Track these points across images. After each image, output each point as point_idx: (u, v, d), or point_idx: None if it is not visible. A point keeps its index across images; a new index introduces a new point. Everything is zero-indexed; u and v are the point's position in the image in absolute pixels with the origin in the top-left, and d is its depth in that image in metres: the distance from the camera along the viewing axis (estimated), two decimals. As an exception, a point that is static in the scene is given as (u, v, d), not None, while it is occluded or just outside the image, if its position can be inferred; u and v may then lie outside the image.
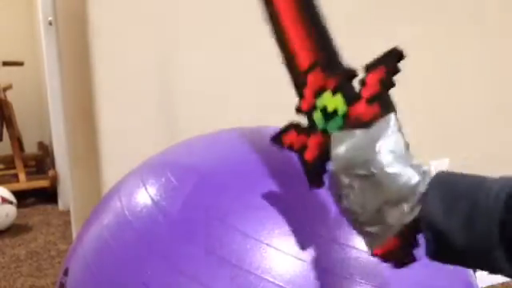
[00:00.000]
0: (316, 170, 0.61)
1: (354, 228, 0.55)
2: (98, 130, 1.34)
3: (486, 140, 1.80)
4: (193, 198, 0.68)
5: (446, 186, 0.49)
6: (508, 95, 1.83)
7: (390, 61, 0.53)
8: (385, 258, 0.55)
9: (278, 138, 0.65)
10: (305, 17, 0.62)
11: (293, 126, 0.63)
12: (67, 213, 2.45)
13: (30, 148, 3.35)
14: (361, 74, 0.56)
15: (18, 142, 3.04)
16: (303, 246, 0.63)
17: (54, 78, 2.55)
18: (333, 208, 0.67)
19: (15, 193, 2.61)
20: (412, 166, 0.51)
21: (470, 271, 0.78)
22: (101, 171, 1.35)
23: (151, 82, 1.35)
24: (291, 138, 0.63)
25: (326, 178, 0.61)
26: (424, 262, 0.68)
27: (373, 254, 0.55)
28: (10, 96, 3.07)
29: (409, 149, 0.53)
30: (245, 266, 0.60)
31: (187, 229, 0.65)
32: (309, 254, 0.62)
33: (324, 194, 0.68)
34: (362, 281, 0.62)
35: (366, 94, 0.55)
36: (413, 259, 0.54)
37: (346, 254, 0.63)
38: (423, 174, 0.51)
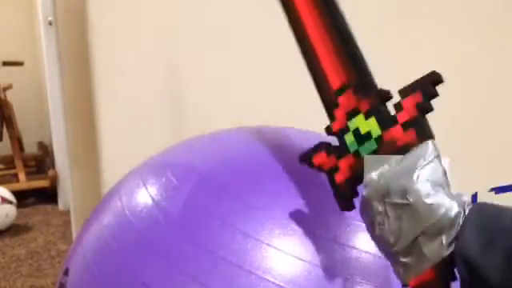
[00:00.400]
0: (347, 193, 0.59)
1: (387, 257, 0.53)
2: (97, 130, 1.34)
3: (487, 139, 1.80)
4: (193, 198, 0.68)
5: (485, 218, 0.48)
6: (509, 95, 1.83)
7: (428, 85, 0.52)
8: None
9: (307, 157, 0.63)
10: (334, 35, 0.60)
11: (323, 146, 0.61)
12: (67, 213, 2.45)
13: (30, 148, 3.35)
14: (395, 98, 0.55)
15: (17, 142, 3.04)
16: (303, 246, 0.63)
17: (53, 78, 2.55)
18: (333, 208, 0.67)
19: (15, 193, 2.62)
20: (451, 196, 0.49)
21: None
22: (101, 171, 1.35)
23: (151, 82, 1.35)
24: (321, 158, 0.61)
25: (356, 202, 0.59)
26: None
27: (405, 286, 0.53)
28: (10, 96, 3.07)
29: (446, 177, 0.51)
30: (245, 265, 0.60)
31: (187, 229, 0.65)
32: (309, 254, 0.62)
33: (324, 193, 0.68)
34: (363, 281, 0.62)
35: (401, 118, 0.54)
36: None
37: (346, 254, 0.63)
38: (463, 204, 0.49)
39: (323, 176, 0.62)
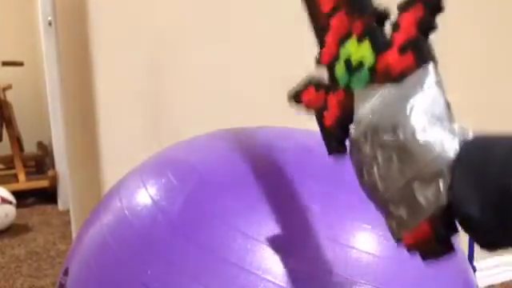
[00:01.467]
0: (336, 134, 0.51)
1: (377, 208, 0.46)
2: (97, 130, 1.34)
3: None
4: (193, 198, 0.68)
5: (479, 160, 0.38)
6: (509, 95, 1.83)
7: None
8: (413, 247, 0.44)
9: (295, 95, 0.56)
10: None
11: (312, 82, 0.54)
12: (67, 213, 2.44)
13: (30, 148, 3.35)
14: (394, 16, 0.47)
15: (17, 142, 3.04)
16: (303, 246, 0.63)
17: (53, 78, 2.55)
18: (333, 208, 0.67)
19: (15, 193, 2.61)
20: (452, 131, 0.41)
21: (471, 271, 0.78)
22: (101, 171, 1.35)
23: (151, 82, 1.35)
24: (309, 95, 0.54)
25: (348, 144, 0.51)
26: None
27: (399, 242, 0.45)
28: (10, 96, 3.07)
29: (450, 109, 0.42)
30: (245, 265, 0.60)
31: (187, 229, 0.64)
32: (309, 254, 0.62)
33: (324, 193, 0.68)
34: (362, 281, 0.62)
35: (398, 39, 0.45)
36: (449, 249, 0.43)
37: (346, 254, 0.63)
38: (465, 142, 0.40)
39: (324, 176, 0.62)
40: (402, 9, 0.45)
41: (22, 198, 2.79)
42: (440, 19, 0.44)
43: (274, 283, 0.60)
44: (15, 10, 3.41)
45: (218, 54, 1.39)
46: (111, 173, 1.32)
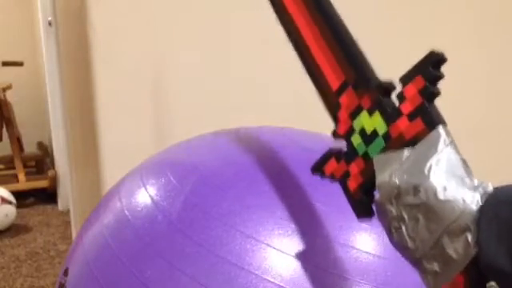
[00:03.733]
0: (362, 200, 0.54)
1: (412, 265, 0.47)
2: (97, 130, 1.34)
3: (487, 139, 1.80)
4: (193, 198, 0.68)
5: (502, 212, 0.40)
6: (509, 95, 1.83)
7: (428, 67, 0.47)
8: None
9: (318, 167, 0.59)
10: (327, 32, 0.57)
11: (332, 154, 0.57)
12: (67, 213, 2.45)
13: (30, 148, 3.35)
14: (398, 87, 0.50)
15: (17, 142, 3.04)
16: (303, 246, 0.63)
17: (53, 78, 2.55)
18: (333, 208, 0.67)
19: (15, 193, 2.62)
20: (471, 187, 0.43)
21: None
22: (101, 171, 1.35)
23: (151, 82, 1.35)
24: (332, 167, 0.57)
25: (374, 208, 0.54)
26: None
27: None
28: (10, 96, 3.07)
29: (467, 165, 0.45)
30: (245, 265, 0.60)
31: (187, 229, 0.64)
32: (309, 254, 0.62)
33: (325, 193, 0.68)
34: (362, 281, 0.62)
35: (406, 109, 0.48)
36: None
37: (346, 254, 0.63)
38: (486, 195, 0.42)
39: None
40: (405, 81, 0.49)
41: (22, 197, 2.79)
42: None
43: (273, 283, 0.60)
44: (15, 10, 3.41)
45: (218, 53, 1.39)
46: (111, 173, 1.32)
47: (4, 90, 3.00)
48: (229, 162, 0.75)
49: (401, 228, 0.46)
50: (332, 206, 0.67)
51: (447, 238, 0.43)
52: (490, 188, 0.43)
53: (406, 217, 0.45)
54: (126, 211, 0.71)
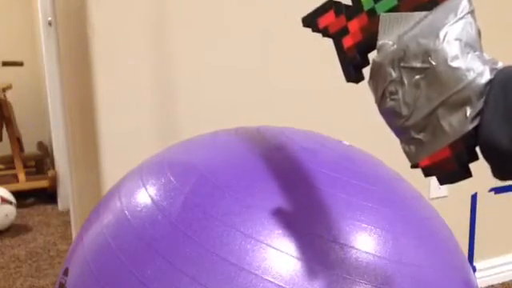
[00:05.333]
0: (356, 60, 0.50)
1: (397, 133, 0.46)
2: (97, 130, 1.34)
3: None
4: (193, 198, 0.68)
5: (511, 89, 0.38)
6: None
7: None
8: (431, 169, 0.45)
9: (311, 18, 0.54)
10: None
11: (332, 4, 0.52)
12: (67, 213, 2.45)
13: (30, 148, 3.35)
14: None
15: (17, 142, 3.04)
16: (303, 246, 0.63)
17: (53, 78, 2.55)
18: (333, 208, 0.67)
19: (15, 193, 2.62)
20: (483, 60, 0.41)
21: (471, 271, 0.79)
22: (101, 171, 1.35)
23: (151, 82, 1.35)
24: (328, 19, 0.52)
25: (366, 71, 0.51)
26: (424, 261, 0.68)
27: (416, 166, 0.45)
28: (10, 96, 3.07)
29: (480, 38, 0.43)
30: (245, 266, 0.60)
31: (187, 229, 0.64)
32: (309, 254, 0.62)
33: (324, 193, 0.68)
34: (362, 281, 0.62)
35: None
36: (466, 175, 0.44)
37: (346, 254, 0.63)
38: (495, 70, 0.41)
39: (324, 176, 0.62)
40: None
41: (22, 197, 2.80)
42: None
43: (273, 283, 0.60)
44: (15, 10, 3.41)
45: (218, 53, 1.39)
46: (111, 173, 1.32)
47: (4, 89, 3.00)
48: (229, 162, 0.75)
49: (397, 93, 0.44)
50: (332, 206, 0.67)
51: (445, 109, 0.41)
52: (500, 64, 0.41)
53: (406, 81, 0.43)
54: (125, 211, 0.72)
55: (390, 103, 0.45)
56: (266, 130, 0.83)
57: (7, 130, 2.99)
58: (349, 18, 0.50)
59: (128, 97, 1.34)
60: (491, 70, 0.40)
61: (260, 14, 1.42)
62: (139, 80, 1.34)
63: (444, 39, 0.41)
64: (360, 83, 0.54)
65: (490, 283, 1.84)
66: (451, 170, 0.43)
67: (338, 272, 0.62)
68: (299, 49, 1.45)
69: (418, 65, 0.42)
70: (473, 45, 0.42)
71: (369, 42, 0.48)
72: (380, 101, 0.46)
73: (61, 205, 2.80)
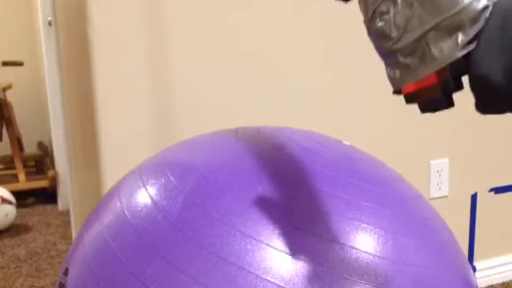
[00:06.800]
0: None
1: (383, 56, 0.44)
2: (97, 130, 1.34)
3: (487, 139, 1.80)
4: (193, 198, 0.68)
5: (509, 19, 0.36)
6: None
7: None
8: (413, 96, 0.43)
9: None
10: None
11: None
12: (67, 213, 2.45)
13: (30, 148, 3.35)
14: None
15: (17, 142, 3.04)
16: (303, 246, 0.63)
17: (53, 78, 2.55)
18: (333, 208, 0.67)
19: (15, 193, 2.62)
20: None
21: (471, 271, 0.79)
22: (101, 171, 1.35)
23: (151, 82, 1.35)
24: None
25: None
26: (424, 261, 0.68)
27: (398, 92, 0.44)
28: (10, 96, 3.07)
29: None
30: (245, 266, 0.60)
31: (187, 229, 0.64)
32: (309, 254, 0.62)
33: (324, 193, 0.68)
34: (362, 281, 0.62)
35: None
36: (449, 104, 0.42)
37: (346, 254, 0.63)
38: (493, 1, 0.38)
39: (324, 176, 0.62)
40: None
41: (22, 197, 2.80)
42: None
43: (273, 283, 0.60)
44: (15, 10, 3.41)
45: (218, 53, 1.39)
46: (111, 173, 1.32)
47: (4, 89, 3.00)
48: (229, 162, 0.75)
49: (388, 13, 0.42)
50: (332, 205, 0.67)
51: (436, 33, 0.39)
52: None
53: (398, 1, 0.41)
54: (125, 211, 0.72)
55: (379, 23, 0.42)
56: (266, 130, 0.83)
57: (7, 130, 2.99)
58: None
59: (128, 97, 1.34)
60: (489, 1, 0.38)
61: (260, 14, 1.42)
62: (139, 80, 1.34)
63: None
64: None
65: (490, 283, 1.84)
66: (434, 98, 0.41)
67: (338, 272, 0.62)
68: (299, 49, 1.45)
69: None
70: None
71: None
72: (369, 21, 0.44)
73: (61, 205, 2.80)
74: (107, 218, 0.74)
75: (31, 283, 2.00)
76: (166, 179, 0.72)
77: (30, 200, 2.89)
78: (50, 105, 2.78)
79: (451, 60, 0.39)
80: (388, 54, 0.43)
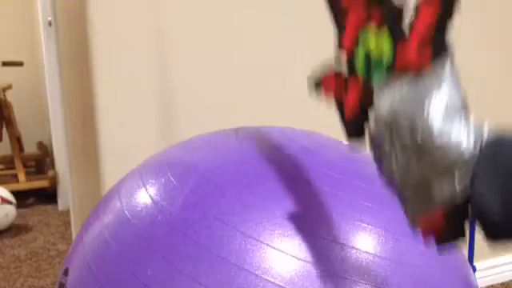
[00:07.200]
0: (356, 121, 0.51)
1: (393, 192, 0.48)
2: (97, 130, 1.34)
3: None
4: (193, 198, 0.68)
5: (496, 154, 0.40)
6: (509, 95, 1.83)
7: None
8: (428, 233, 0.46)
9: (315, 82, 0.56)
10: None
11: (331, 69, 0.54)
12: (67, 213, 2.44)
13: (30, 148, 3.35)
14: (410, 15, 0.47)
15: (17, 142, 3.04)
16: (303, 246, 0.63)
17: (53, 78, 2.55)
18: (333, 208, 0.67)
19: (15, 193, 2.61)
20: (469, 127, 0.42)
21: (471, 271, 0.78)
22: (101, 171, 1.35)
23: (151, 82, 1.35)
24: (329, 82, 0.54)
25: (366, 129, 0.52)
26: (424, 261, 0.68)
27: (413, 227, 0.47)
28: (10, 96, 3.07)
29: (466, 103, 0.43)
30: (245, 266, 0.60)
31: (187, 229, 0.64)
32: (309, 254, 0.62)
33: (324, 193, 0.68)
34: (362, 281, 0.62)
35: (415, 35, 0.45)
36: (459, 236, 0.45)
37: (346, 254, 0.63)
38: (481, 140, 0.41)
39: (324, 176, 0.62)
40: (419, 7, 0.46)
41: (22, 197, 2.79)
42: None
43: (273, 283, 0.60)
44: (15, 10, 3.41)
45: (219, 54, 1.39)
46: (111, 173, 1.32)
47: (4, 89, 3.00)
48: (229, 162, 0.75)
49: (391, 161, 0.46)
50: (333, 205, 0.67)
51: (436, 178, 0.43)
52: (487, 131, 0.42)
53: (398, 154, 0.45)
54: (126, 211, 0.72)
55: (385, 169, 0.47)
56: (267, 130, 0.83)
57: (7, 130, 2.99)
58: (347, 82, 0.52)
59: (128, 97, 1.34)
60: (478, 138, 0.41)
61: (263, 13, 1.42)
62: (139, 80, 1.34)
63: (428, 112, 0.42)
64: None
65: (490, 283, 1.84)
66: (444, 234, 0.45)
67: (338, 272, 0.62)
68: (299, 49, 1.45)
69: (406, 139, 0.43)
70: (457, 111, 0.42)
71: (366, 103, 0.49)
72: (377, 164, 0.48)
73: (61, 205, 2.79)
74: (107, 218, 0.74)
75: (31, 283, 2.00)
76: (166, 179, 0.72)
77: (30, 200, 2.89)
78: (50, 105, 2.78)
79: (450, 198, 0.42)
80: (397, 194, 0.47)
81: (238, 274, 0.60)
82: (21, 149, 3.10)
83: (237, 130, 0.84)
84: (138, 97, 1.34)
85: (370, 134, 0.48)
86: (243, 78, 1.43)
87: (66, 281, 0.75)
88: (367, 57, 0.49)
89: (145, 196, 0.72)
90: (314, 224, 0.65)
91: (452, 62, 0.44)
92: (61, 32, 1.70)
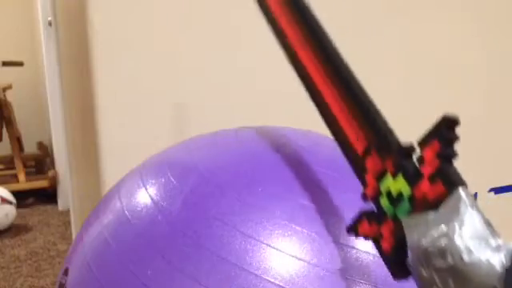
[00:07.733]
0: (396, 261, 0.54)
1: None
2: (97, 130, 1.34)
3: (487, 140, 1.80)
4: (193, 198, 0.68)
5: None
6: (509, 95, 1.83)
7: (442, 131, 0.48)
8: None
9: (352, 228, 0.60)
10: (346, 96, 0.59)
11: (364, 215, 0.59)
12: (67, 213, 2.45)
13: (30, 148, 3.35)
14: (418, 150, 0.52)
15: (17, 142, 3.04)
16: (303, 246, 0.63)
17: (53, 78, 2.55)
18: (333, 207, 0.67)
19: (15, 193, 2.62)
20: (497, 247, 0.45)
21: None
22: (101, 171, 1.35)
23: (151, 82, 1.35)
24: (364, 228, 0.58)
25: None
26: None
27: None
28: (10, 96, 3.07)
29: (491, 225, 0.47)
30: (245, 266, 0.60)
31: (187, 229, 0.64)
32: (309, 254, 0.62)
33: (325, 192, 0.68)
34: (362, 281, 0.62)
35: (426, 171, 0.50)
36: None
37: (346, 254, 0.63)
38: (510, 255, 0.44)
39: (324, 176, 0.62)
40: (422, 145, 0.50)
41: (22, 197, 2.80)
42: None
43: (273, 283, 0.60)
44: (15, 10, 3.41)
45: (219, 53, 1.39)
46: (111, 173, 1.32)
47: (4, 89, 3.00)
48: (229, 162, 0.75)
49: (432, 286, 0.48)
50: (332, 205, 0.67)
51: None
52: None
53: (436, 279, 0.47)
54: (126, 211, 0.72)
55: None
56: (267, 130, 0.83)
57: (7, 130, 2.99)
58: (379, 224, 0.56)
59: (128, 97, 1.34)
60: (506, 255, 0.44)
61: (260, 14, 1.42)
62: (139, 80, 1.34)
63: (453, 236, 0.45)
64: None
65: (490, 283, 1.83)
66: None
67: (338, 272, 0.62)
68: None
69: (440, 264, 0.46)
70: (482, 235, 0.45)
71: (401, 242, 0.52)
72: None
73: (61, 205, 2.80)
74: (107, 218, 0.74)
75: (31, 283, 2.00)
76: (166, 179, 0.72)
77: (30, 200, 2.89)
78: (50, 105, 2.78)
79: None
80: None
81: (238, 274, 0.60)
82: (21, 149, 3.10)
83: (237, 130, 0.84)
84: (138, 97, 1.34)
85: (408, 265, 0.51)
86: (244, 78, 1.43)
87: (65, 281, 0.75)
88: (390, 196, 0.53)
89: (145, 196, 0.72)
90: (314, 224, 0.65)
91: (466, 191, 0.47)
92: (61, 32, 1.70)
